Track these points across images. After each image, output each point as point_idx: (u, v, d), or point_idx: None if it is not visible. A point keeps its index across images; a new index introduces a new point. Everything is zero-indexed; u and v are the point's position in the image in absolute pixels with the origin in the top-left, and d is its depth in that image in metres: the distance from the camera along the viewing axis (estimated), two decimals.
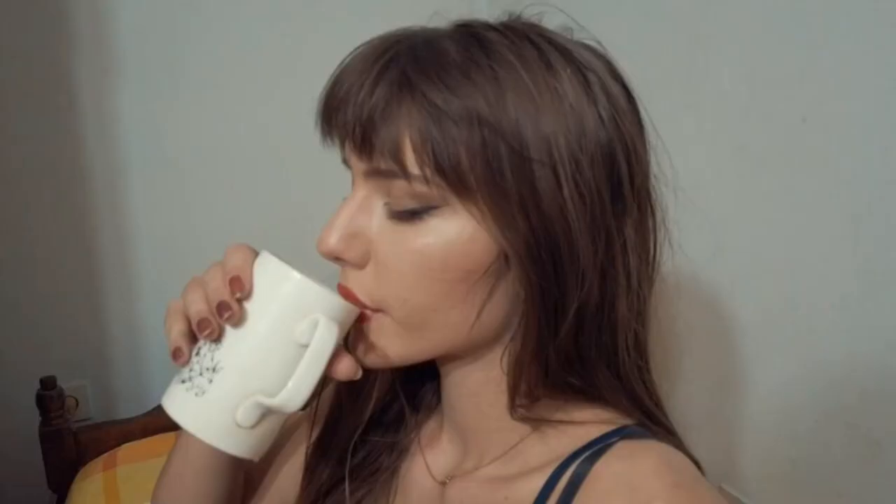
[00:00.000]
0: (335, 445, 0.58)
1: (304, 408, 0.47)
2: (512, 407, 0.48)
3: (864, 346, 1.15)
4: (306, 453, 0.59)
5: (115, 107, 1.54)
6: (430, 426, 0.58)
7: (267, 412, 0.44)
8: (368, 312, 0.47)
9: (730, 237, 1.24)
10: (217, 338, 0.45)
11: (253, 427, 0.44)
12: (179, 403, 0.45)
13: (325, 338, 0.43)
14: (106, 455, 1.51)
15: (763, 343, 1.24)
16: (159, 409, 1.59)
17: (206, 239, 1.66)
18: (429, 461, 0.56)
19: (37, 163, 1.52)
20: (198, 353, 0.46)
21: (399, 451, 0.58)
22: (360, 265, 0.46)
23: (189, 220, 1.65)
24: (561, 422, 0.49)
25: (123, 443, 1.55)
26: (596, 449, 0.46)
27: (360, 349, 0.48)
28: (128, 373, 1.70)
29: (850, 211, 1.12)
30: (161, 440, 1.53)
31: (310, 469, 0.58)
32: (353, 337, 0.49)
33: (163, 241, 1.65)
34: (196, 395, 0.44)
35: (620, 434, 0.47)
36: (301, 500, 0.59)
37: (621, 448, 0.46)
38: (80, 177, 1.55)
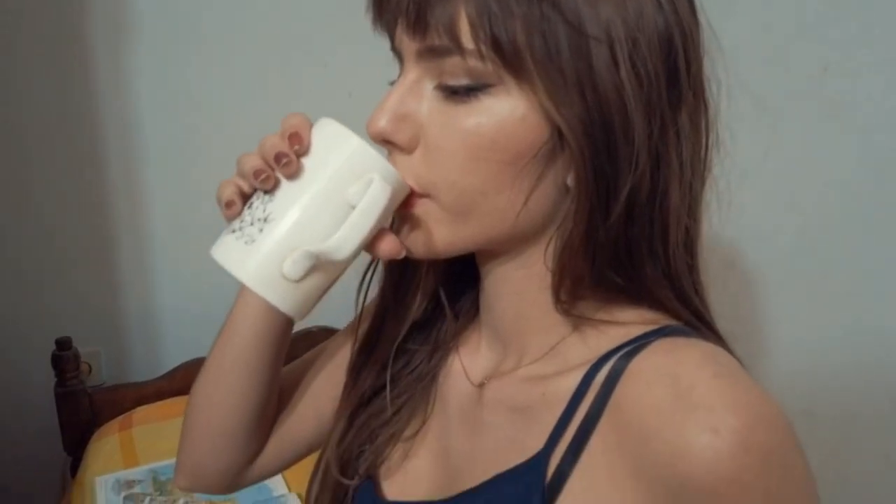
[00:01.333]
0: (378, 351, 0.58)
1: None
2: (557, 301, 0.47)
3: (883, 298, 1.15)
4: (350, 360, 0.59)
5: (130, 65, 1.53)
6: (469, 335, 0.58)
7: (314, 267, 0.44)
8: (415, 198, 0.47)
9: (747, 192, 1.24)
10: (271, 189, 0.46)
11: (299, 281, 0.45)
12: (227, 250, 0.46)
13: (377, 194, 0.44)
14: (122, 417, 1.51)
15: (781, 295, 1.24)
16: (173, 374, 1.61)
17: (218, 209, 1.65)
18: (467, 366, 0.56)
19: (50, 126, 1.52)
20: (250, 207, 0.47)
21: (438, 359, 0.58)
22: (409, 149, 0.46)
23: (203, 185, 1.64)
24: (603, 321, 0.48)
25: (138, 406, 1.55)
26: (637, 345, 0.46)
27: (405, 234, 0.48)
28: (141, 339, 1.70)
29: (871, 161, 1.12)
30: (176, 403, 1.53)
31: (353, 375, 0.59)
32: (398, 223, 0.49)
33: (176, 205, 1.64)
34: (245, 243, 0.45)
35: (663, 332, 0.47)
36: (342, 409, 0.59)
37: (663, 343, 0.45)
38: (93, 141, 1.55)
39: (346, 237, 0.44)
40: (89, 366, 1.62)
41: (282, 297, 0.45)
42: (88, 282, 1.63)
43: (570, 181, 0.45)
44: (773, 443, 0.40)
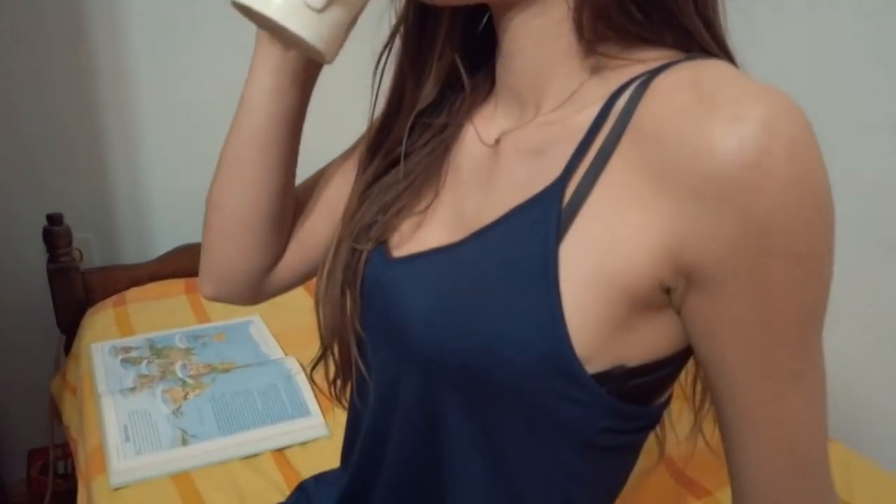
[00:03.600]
0: (394, 129, 0.57)
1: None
2: (580, 38, 0.47)
3: (886, 168, 1.16)
4: (366, 142, 0.59)
5: None
6: (482, 108, 0.58)
7: None
8: None
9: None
10: None
11: (321, 11, 0.45)
12: None
13: None
14: (115, 296, 1.52)
15: None
16: (165, 258, 1.60)
17: (207, 92, 1.64)
18: (481, 132, 0.56)
19: (41, 11, 1.49)
20: None
21: (451, 131, 0.57)
22: None
23: (190, 76, 1.63)
24: (624, 60, 0.47)
25: (131, 287, 1.55)
26: (657, 71, 0.45)
27: None
28: (131, 226, 1.69)
29: (875, 38, 1.11)
30: (169, 284, 1.53)
31: (369, 155, 0.58)
32: None
33: (163, 94, 1.63)
34: None
35: (684, 59, 0.45)
36: (356, 188, 0.58)
37: (684, 64, 0.44)
38: (82, 35, 1.53)
39: None
40: (80, 252, 1.61)
41: (308, 28, 0.45)
42: (78, 167, 1.61)
43: None
44: (798, 134, 0.38)
